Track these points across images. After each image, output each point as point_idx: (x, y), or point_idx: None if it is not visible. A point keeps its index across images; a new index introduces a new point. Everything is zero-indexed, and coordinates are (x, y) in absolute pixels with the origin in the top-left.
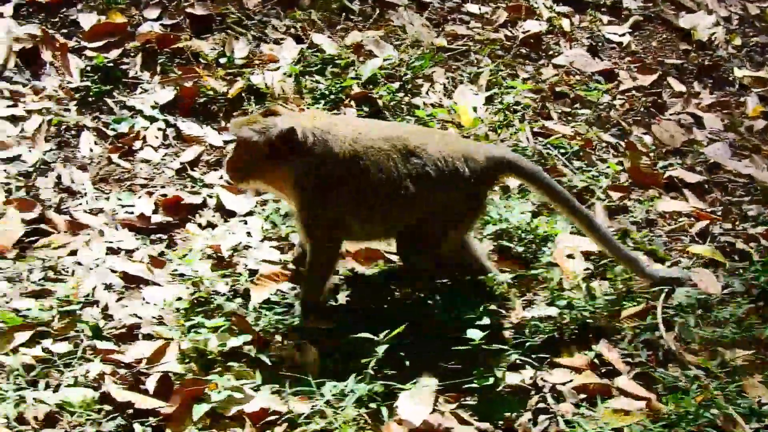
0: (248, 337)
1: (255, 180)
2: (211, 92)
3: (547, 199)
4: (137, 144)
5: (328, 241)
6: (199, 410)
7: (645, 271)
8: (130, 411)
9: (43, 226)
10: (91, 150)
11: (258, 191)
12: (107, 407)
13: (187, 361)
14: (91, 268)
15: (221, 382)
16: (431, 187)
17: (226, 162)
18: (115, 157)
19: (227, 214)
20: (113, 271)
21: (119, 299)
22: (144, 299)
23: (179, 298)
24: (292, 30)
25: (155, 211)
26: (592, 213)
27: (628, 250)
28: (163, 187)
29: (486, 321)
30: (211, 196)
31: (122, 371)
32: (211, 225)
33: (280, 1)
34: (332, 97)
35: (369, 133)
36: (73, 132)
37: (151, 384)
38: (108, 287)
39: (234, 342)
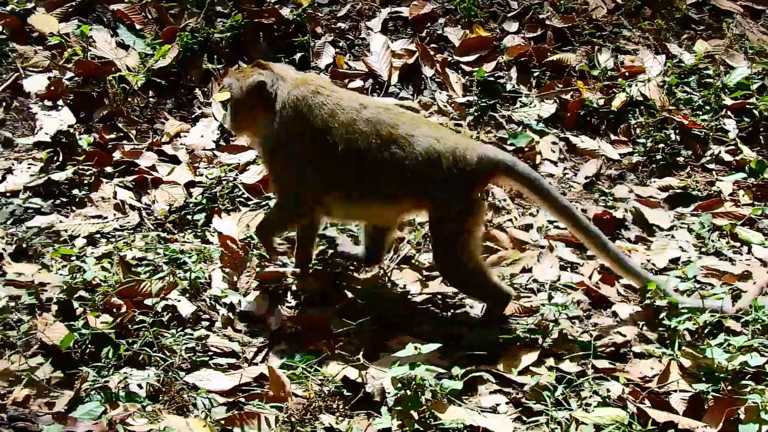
0: None
1: (242, 128)
2: (592, 105)
3: (545, 209)
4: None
5: (292, 203)
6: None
7: (674, 296)
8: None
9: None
10: None
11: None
12: (638, 426)
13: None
14: (549, 285)
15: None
16: (413, 179)
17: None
18: None
19: (648, 229)
20: (572, 288)
21: (588, 316)
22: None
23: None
24: (644, 40)
25: None
26: (597, 228)
27: (641, 270)
28: (576, 201)
29: None
30: (627, 210)
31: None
32: (642, 240)
33: (625, 11)
34: (707, 108)
35: (353, 112)
36: None
37: (677, 402)
38: (575, 303)
39: None
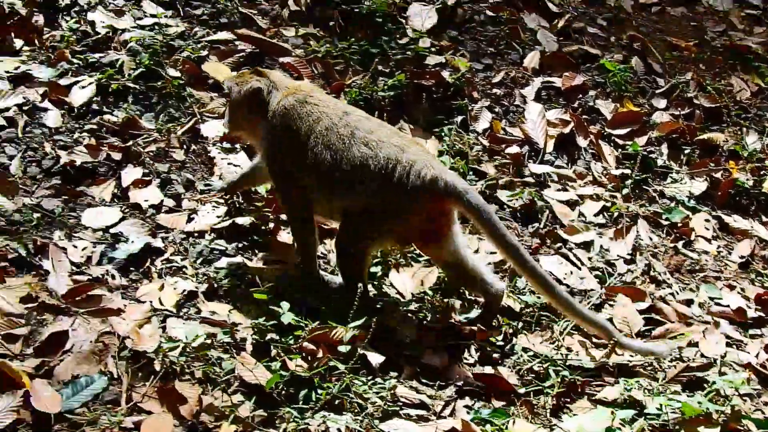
0: None
1: (238, 129)
2: (743, 185)
3: (491, 242)
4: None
5: (294, 199)
6: None
7: (617, 337)
8: None
9: (654, 315)
10: (650, 239)
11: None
12: None
13: None
14: (718, 361)
15: None
16: (372, 181)
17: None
18: (680, 246)
19: None
20: (740, 366)
21: (758, 394)
22: None
23: None
24: None
25: (749, 305)
26: (544, 270)
27: (592, 314)
28: (733, 280)
29: None
30: None
31: None
32: None
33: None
34: None
35: (336, 118)
36: (627, 220)
37: None
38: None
39: None
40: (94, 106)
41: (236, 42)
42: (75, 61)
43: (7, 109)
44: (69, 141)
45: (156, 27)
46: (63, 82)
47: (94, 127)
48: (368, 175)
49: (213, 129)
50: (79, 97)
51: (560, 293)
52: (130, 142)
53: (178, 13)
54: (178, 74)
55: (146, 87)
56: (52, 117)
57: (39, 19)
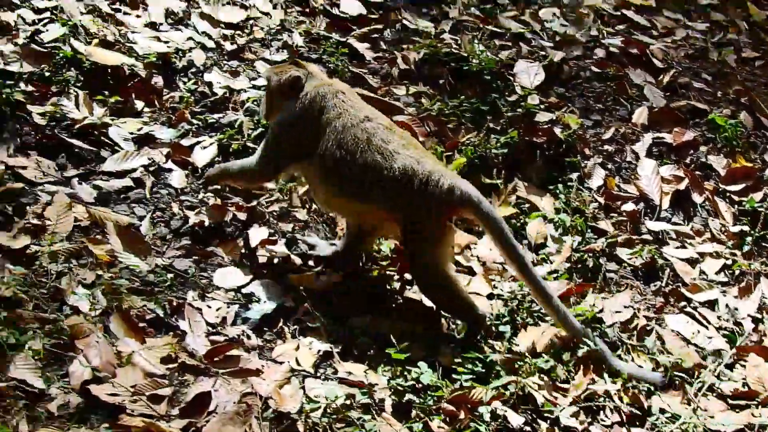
0: None
1: (268, 114)
2: None
3: (499, 251)
4: None
5: (271, 158)
6: None
7: (610, 361)
8: None
9: None
10: None
11: None
12: None
13: None
14: None
15: None
16: (388, 191)
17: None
18: None
19: None
20: None
21: None
22: None
23: None
24: None
25: None
26: (547, 282)
27: (578, 324)
28: None
29: None
30: None
31: None
32: None
33: None
34: None
35: (356, 119)
36: (751, 278)
37: None
38: None
39: None
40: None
41: None
42: (195, 121)
43: (134, 170)
44: (195, 201)
45: None
46: (185, 142)
47: (218, 187)
48: (383, 183)
49: None
50: (201, 157)
51: (558, 306)
52: (254, 202)
53: None
54: None
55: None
56: (177, 177)
57: (158, 80)
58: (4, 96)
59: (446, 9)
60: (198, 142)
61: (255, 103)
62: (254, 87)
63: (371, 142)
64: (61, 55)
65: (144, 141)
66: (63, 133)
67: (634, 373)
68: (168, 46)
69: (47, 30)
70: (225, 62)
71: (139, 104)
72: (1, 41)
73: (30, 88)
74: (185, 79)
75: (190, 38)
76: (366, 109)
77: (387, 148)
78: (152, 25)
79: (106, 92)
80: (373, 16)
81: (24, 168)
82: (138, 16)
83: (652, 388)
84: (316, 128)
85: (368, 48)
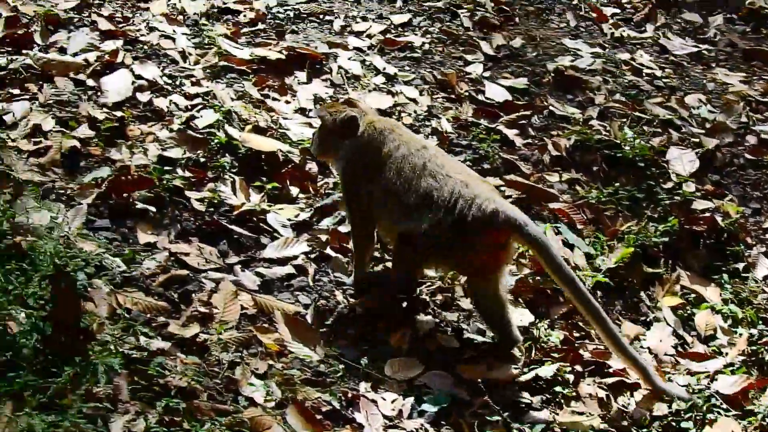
0: None
1: (327, 154)
2: None
3: (550, 274)
4: None
5: (361, 217)
6: None
7: (656, 383)
8: None
9: None
10: None
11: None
12: None
13: None
14: None
15: None
16: (432, 209)
17: (312, 136)
18: None
19: None
20: None
21: None
22: None
23: None
24: None
25: None
26: (599, 304)
27: (639, 355)
28: None
29: None
30: None
31: None
32: None
33: None
34: None
35: (413, 149)
36: None
37: None
38: None
39: None
40: (376, 254)
41: (502, 188)
42: None
43: (296, 257)
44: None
45: None
46: (342, 229)
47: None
48: (433, 205)
49: None
50: None
51: (611, 328)
52: (417, 291)
53: None
54: None
55: None
56: (338, 265)
57: (312, 166)
58: (164, 182)
59: (591, 95)
60: None
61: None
62: None
63: (426, 167)
64: (215, 141)
65: (302, 227)
66: (222, 219)
67: (678, 394)
68: None
69: (201, 116)
70: None
71: (294, 190)
72: (156, 127)
73: (187, 173)
74: None
75: None
76: (420, 139)
77: (441, 171)
78: (302, 111)
79: (264, 178)
80: (519, 103)
81: (186, 254)
82: (287, 102)
83: None
84: (378, 162)
85: (517, 134)
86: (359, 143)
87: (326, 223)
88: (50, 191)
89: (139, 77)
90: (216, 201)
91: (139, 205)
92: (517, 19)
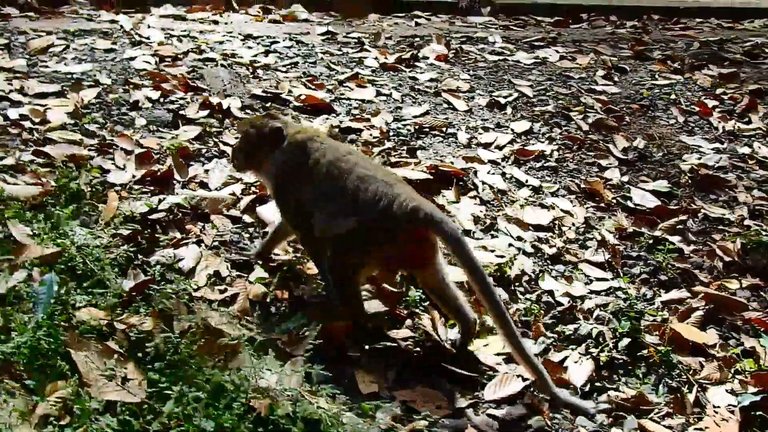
0: None
1: (249, 168)
2: None
3: (463, 269)
4: None
5: (298, 224)
6: None
7: (551, 389)
8: None
9: None
10: None
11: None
12: None
13: None
14: None
15: None
16: (358, 210)
17: (231, 150)
18: None
19: None
20: None
21: None
22: None
23: None
24: None
25: None
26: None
27: (538, 362)
28: None
29: None
30: None
31: None
32: None
33: None
34: None
35: (339, 154)
36: None
37: None
38: None
39: None
40: (597, 383)
41: (689, 299)
42: (550, 334)
43: (522, 394)
44: (593, 426)
45: (611, 291)
46: (553, 357)
47: (609, 406)
48: (359, 206)
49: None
50: (578, 374)
51: (513, 330)
52: (643, 418)
53: (617, 274)
54: (656, 340)
55: (629, 356)
56: (564, 394)
57: (499, 291)
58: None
59: (732, 193)
60: (566, 357)
61: (604, 310)
62: (591, 291)
63: (353, 171)
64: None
65: (513, 360)
66: (433, 357)
67: (571, 401)
68: (495, 255)
69: None
70: (550, 267)
71: (488, 319)
72: None
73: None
74: (521, 289)
75: (510, 245)
76: (344, 145)
77: (366, 174)
78: (466, 233)
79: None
80: (670, 207)
81: (413, 401)
82: None
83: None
84: (306, 171)
85: (680, 240)
86: (286, 153)
87: (534, 350)
88: (265, 345)
89: None
90: (421, 339)
91: (352, 351)
92: (627, 119)
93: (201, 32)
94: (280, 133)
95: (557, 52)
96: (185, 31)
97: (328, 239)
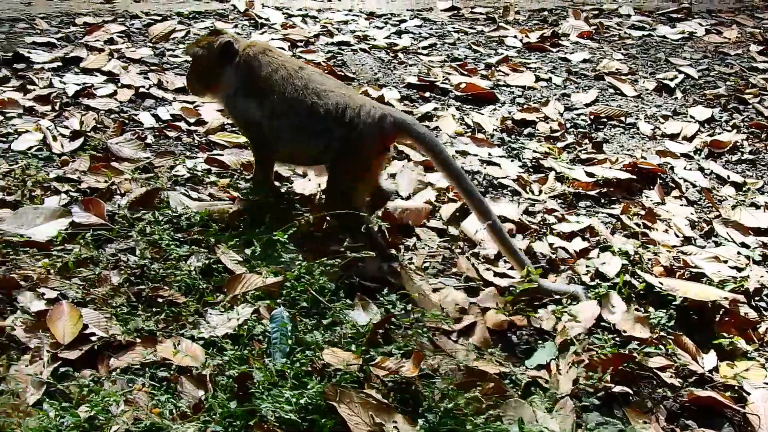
0: None
1: (208, 89)
2: None
3: (439, 169)
4: None
5: (259, 141)
6: None
7: (533, 277)
8: None
9: None
10: None
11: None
12: None
13: None
14: None
15: None
16: (323, 125)
17: (186, 77)
18: None
19: None
20: None
21: None
22: None
23: None
24: None
25: None
26: (485, 198)
27: (522, 254)
28: None
29: None
30: None
31: None
32: None
33: None
34: None
35: (292, 70)
36: None
37: None
38: None
39: None
40: None
41: None
42: None
43: None
44: None
45: None
46: None
47: None
48: (322, 123)
49: None
50: None
51: (496, 221)
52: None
53: None
54: None
55: None
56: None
57: (748, 311)
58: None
59: None
60: None
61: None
62: None
63: (308, 87)
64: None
65: None
66: (697, 390)
67: (555, 288)
68: (728, 266)
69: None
70: None
71: (741, 343)
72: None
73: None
74: (762, 304)
75: (738, 253)
76: (295, 60)
77: (322, 88)
78: (687, 241)
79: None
80: None
81: None
82: (665, 231)
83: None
84: (260, 86)
85: None
86: (239, 68)
87: None
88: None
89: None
90: (681, 370)
91: (617, 388)
92: None
93: (319, 11)
94: (231, 47)
95: (701, 25)
96: (301, 9)
97: (302, 159)
